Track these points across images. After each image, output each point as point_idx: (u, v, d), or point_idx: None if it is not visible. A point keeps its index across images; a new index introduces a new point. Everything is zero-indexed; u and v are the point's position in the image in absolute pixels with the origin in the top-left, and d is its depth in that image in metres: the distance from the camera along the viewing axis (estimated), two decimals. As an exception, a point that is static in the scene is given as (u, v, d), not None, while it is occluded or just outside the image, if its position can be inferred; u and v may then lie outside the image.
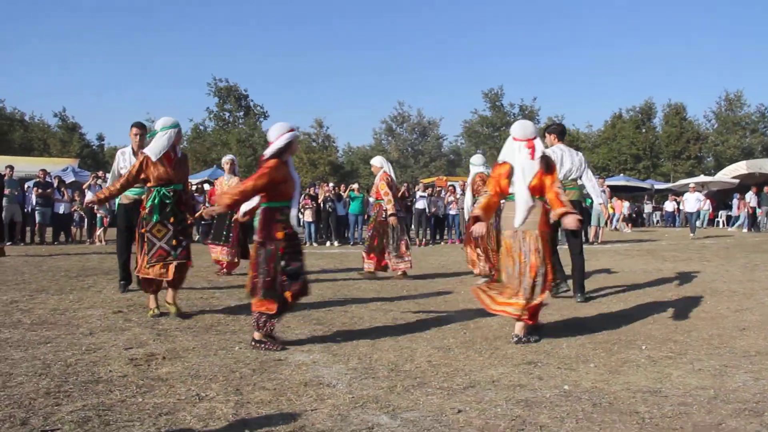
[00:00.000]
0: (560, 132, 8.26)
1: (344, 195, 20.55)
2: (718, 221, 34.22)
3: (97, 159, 52.52)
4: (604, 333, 5.80)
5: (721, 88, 74.30)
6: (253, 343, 5.13)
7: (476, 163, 10.08)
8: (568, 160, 7.83)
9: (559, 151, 7.82)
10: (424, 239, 20.34)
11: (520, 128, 5.66)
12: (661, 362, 4.75)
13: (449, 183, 35.66)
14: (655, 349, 5.15)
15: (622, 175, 43.59)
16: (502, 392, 3.98)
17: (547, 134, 8.17)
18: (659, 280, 9.74)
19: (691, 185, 25.94)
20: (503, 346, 5.28)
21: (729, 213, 33.27)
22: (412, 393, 3.97)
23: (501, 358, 4.87)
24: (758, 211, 27.95)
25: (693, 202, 23.32)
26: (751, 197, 28.19)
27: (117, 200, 8.30)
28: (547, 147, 7.18)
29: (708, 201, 31.64)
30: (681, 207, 28.08)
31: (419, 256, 14.14)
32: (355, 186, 20.90)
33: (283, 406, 3.71)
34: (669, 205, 34.51)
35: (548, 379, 4.30)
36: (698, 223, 29.48)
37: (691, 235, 22.16)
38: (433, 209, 20.77)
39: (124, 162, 8.12)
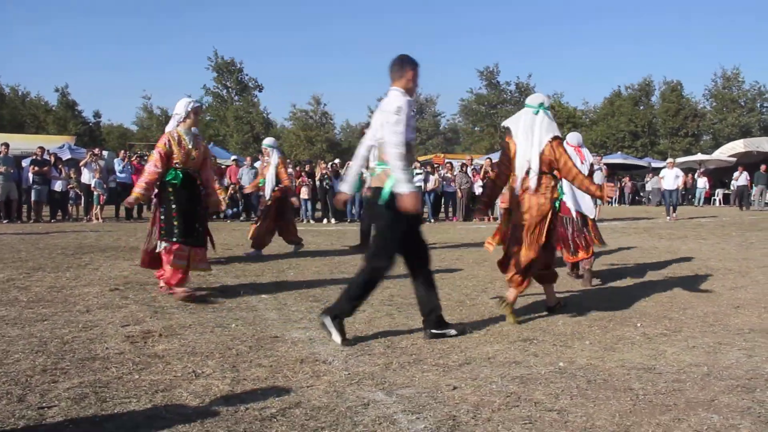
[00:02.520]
0: None
1: (342, 172, 20.50)
2: (715, 200, 34.26)
3: (93, 136, 52.22)
4: (600, 310, 5.82)
5: (717, 66, 74.05)
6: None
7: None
8: None
9: None
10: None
11: (575, 138, 7.08)
12: (656, 339, 4.77)
13: (446, 160, 35.59)
14: (650, 327, 5.18)
15: (619, 152, 43.55)
16: (498, 369, 4.00)
17: None
18: (655, 258, 9.77)
19: (669, 161, 23.65)
20: (499, 323, 5.31)
21: (726, 191, 33.31)
22: (408, 370, 3.99)
23: (497, 335, 4.89)
24: (754, 189, 28.01)
25: (671, 179, 20.86)
26: (739, 176, 28.21)
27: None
28: None
29: (683, 178, 31.59)
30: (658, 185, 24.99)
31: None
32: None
33: (279, 382, 3.72)
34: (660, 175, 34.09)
35: (543, 356, 4.32)
36: (681, 201, 29.55)
37: (668, 218, 20.18)
38: (433, 186, 20.73)
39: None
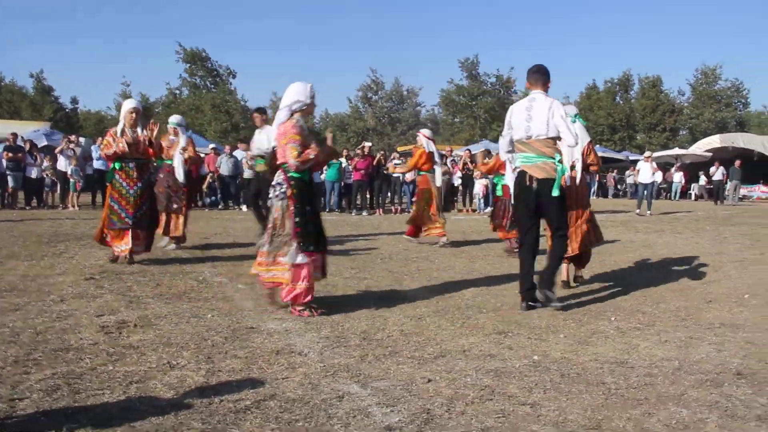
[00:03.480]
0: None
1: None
2: (691, 194, 34.65)
3: (70, 122, 51.54)
4: (575, 304, 5.87)
5: (698, 62, 74.77)
6: None
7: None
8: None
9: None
10: (399, 206, 20.41)
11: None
12: (630, 333, 4.83)
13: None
14: (623, 321, 5.24)
15: (598, 146, 43.80)
16: (472, 362, 4.03)
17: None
18: (631, 252, 9.87)
19: (646, 154, 22.57)
20: (475, 316, 5.34)
21: (702, 185, 33.68)
22: (383, 362, 4.00)
23: (472, 328, 4.92)
24: (728, 185, 28.37)
25: (647, 172, 20.23)
26: (714, 171, 28.51)
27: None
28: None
29: (660, 173, 31.85)
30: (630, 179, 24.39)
31: (395, 224, 14.18)
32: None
33: (254, 374, 3.72)
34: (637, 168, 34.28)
35: (518, 349, 4.36)
36: (657, 195, 29.90)
37: (637, 211, 19.84)
38: (413, 177, 20.71)
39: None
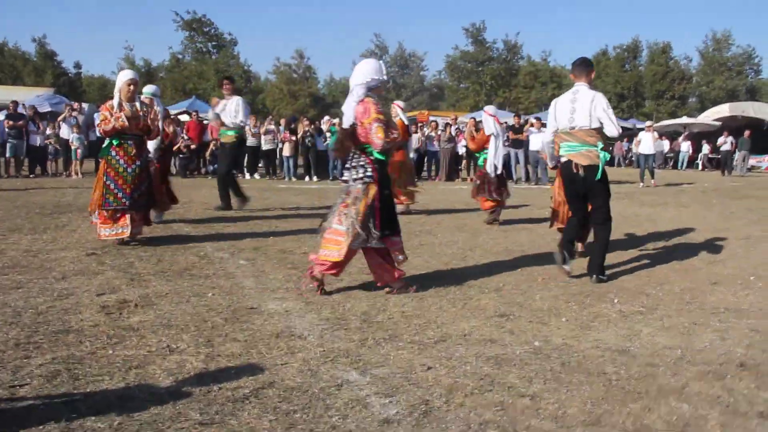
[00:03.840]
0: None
1: (325, 129, 20.34)
2: (698, 163, 34.40)
3: (74, 87, 51.28)
4: (578, 284, 5.84)
5: (707, 28, 73.81)
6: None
7: None
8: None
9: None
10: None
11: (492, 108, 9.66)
12: (632, 317, 4.80)
13: (431, 118, 35.26)
14: (627, 303, 5.20)
15: (605, 114, 43.42)
16: (473, 348, 4.01)
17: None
18: (636, 227, 9.81)
19: (647, 124, 21.97)
20: (477, 296, 5.31)
21: (710, 155, 33.42)
22: (383, 347, 3.99)
23: (474, 310, 4.90)
24: (736, 155, 28.12)
25: (649, 142, 19.76)
26: (722, 141, 28.27)
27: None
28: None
29: (666, 141, 31.53)
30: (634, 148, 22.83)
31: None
32: (336, 121, 20.69)
33: (254, 359, 3.71)
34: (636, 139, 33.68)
35: (519, 334, 4.33)
36: (665, 164, 29.69)
37: (641, 184, 19.26)
38: (417, 145, 20.58)
39: None
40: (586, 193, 6.16)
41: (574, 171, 6.01)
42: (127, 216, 6.90)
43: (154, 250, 6.78)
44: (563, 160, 6.19)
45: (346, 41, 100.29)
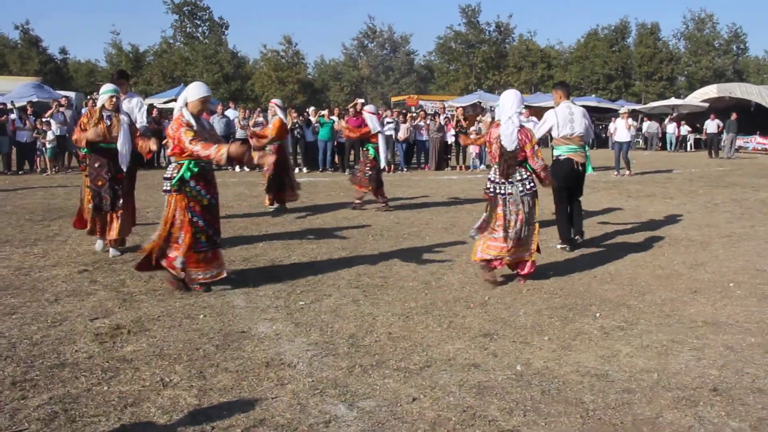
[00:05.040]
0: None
1: (314, 121, 20.36)
2: (686, 144, 34.61)
3: (60, 74, 50.95)
4: (561, 296, 5.98)
5: (688, 7, 73.85)
6: None
7: None
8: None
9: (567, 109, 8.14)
10: (393, 164, 20.29)
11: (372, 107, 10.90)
12: (612, 334, 4.95)
13: (420, 102, 35.21)
14: (608, 317, 5.35)
15: (593, 96, 43.60)
16: (457, 374, 4.14)
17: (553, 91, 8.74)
18: (621, 222, 9.98)
19: (623, 110, 20.98)
20: (462, 312, 5.45)
21: (698, 136, 33.61)
22: (370, 375, 4.12)
23: (459, 329, 5.03)
24: (723, 136, 28.32)
25: (623, 130, 18.83)
26: (708, 124, 28.48)
27: None
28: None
29: (634, 128, 31.43)
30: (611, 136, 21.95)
31: (388, 186, 14.00)
32: (325, 112, 20.75)
33: (245, 392, 3.83)
34: (611, 126, 33.38)
35: (502, 356, 4.47)
36: (659, 146, 29.78)
37: (615, 173, 18.67)
38: (405, 135, 20.61)
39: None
40: (574, 183, 8.09)
41: (575, 167, 7.96)
42: (220, 252, 6.22)
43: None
44: (563, 158, 7.99)
45: (335, 22, 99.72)
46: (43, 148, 16.89)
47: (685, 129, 33.28)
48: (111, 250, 7.31)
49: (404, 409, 3.65)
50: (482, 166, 20.41)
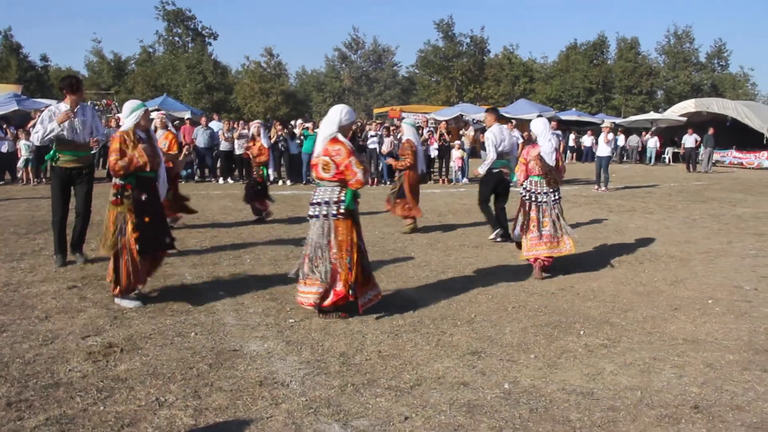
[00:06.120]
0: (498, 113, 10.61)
1: (298, 133, 20.45)
2: (665, 158, 35.12)
3: (42, 82, 50.60)
4: (546, 313, 6.10)
5: (670, 22, 75.01)
6: None
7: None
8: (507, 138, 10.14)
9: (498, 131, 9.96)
10: (375, 177, 20.30)
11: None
12: (597, 352, 5.07)
13: (402, 113, 35.31)
14: (592, 335, 5.48)
15: (573, 109, 44.11)
16: (447, 393, 4.24)
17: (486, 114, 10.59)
18: (604, 239, 10.16)
19: (605, 124, 20.83)
20: (449, 330, 5.54)
21: (675, 150, 34.14)
22: (362, 394, 4.20)
23: (447, 347, 5.13)
24: (701, 150, 28.79)
25: (603, 144, 18.63)
26: (686, 139, 29.03)
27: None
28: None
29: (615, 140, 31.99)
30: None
31: (371, 200, 14.08)
32: (309, 125, 20.84)
33: (240, 412, 3.90)
34: (587, 140, 33.93)
35: (490, 375, 4.58)
36: (638, 159, 30.19)
37: (595, 187, 18.63)
38: (388, 148, 20.67)
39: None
40: (502, 190, 10.04)
41: (504, 177, 9.88)
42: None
43: (134, 281, 6.90)
44: (495, 170, 9.82)
45: (316, 30, 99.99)
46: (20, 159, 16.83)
47: (653, 141, 33.75)
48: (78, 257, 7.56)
49: (397, 428, 3.74)
50: (465, 180, 20.60)
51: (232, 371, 4.54)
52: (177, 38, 54.34)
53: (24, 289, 6.46)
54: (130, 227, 5.85)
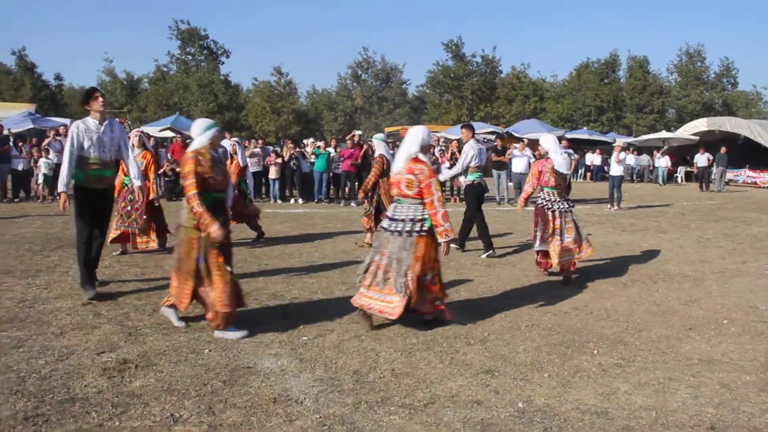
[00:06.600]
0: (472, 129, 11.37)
1: (309, 152, 20.56)
2: (677, 177, 35.03)
3: (55, 100, 51.13)
4: (559, 333, 6.08)
5: (681, 41, 75.14)
6: None
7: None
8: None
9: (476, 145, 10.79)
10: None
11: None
12: (611, 372, 5.05)
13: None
14: (606, 354, 5.46)
15: (585, 128, 44.07)
16: (461, 411, 4.23)
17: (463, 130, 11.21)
18: (617, 259, 10.11)
19: (617, 144, 20.97)
20: (463, 349, 5.54)
21: (688, 169, 34.08)
22: (376, 411, 4.20)
23: (460, 366, 5.12)
24: (713, 170, 28.71)
25: (614, 163, 18.94)
26: (698, 158, 29.01)
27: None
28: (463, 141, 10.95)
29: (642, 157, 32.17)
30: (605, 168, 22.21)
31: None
32: (321, 144, 20.95)
33: (254, 428, 3.91)
34: (596, 158, 34.72)
35: (504, 393, 4.56)
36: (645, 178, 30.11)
37: (608, 206, 18.63)
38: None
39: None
40: (482, 200, 10.61)
41: (483, 186, 10.57)
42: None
43: (148, 297, 6.93)
44: (476, 182, 10.48)
45: (326, 49, 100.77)
46: (39, 177, 16.99)
47: (664, 161, 33.68)
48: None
49: (411, 446, 3.73)
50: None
51: (246, 388, 4.55)
52: (190, 56, 54.81)
53: (39, 305, 6.51)
54: (214, 252, 5.64)
